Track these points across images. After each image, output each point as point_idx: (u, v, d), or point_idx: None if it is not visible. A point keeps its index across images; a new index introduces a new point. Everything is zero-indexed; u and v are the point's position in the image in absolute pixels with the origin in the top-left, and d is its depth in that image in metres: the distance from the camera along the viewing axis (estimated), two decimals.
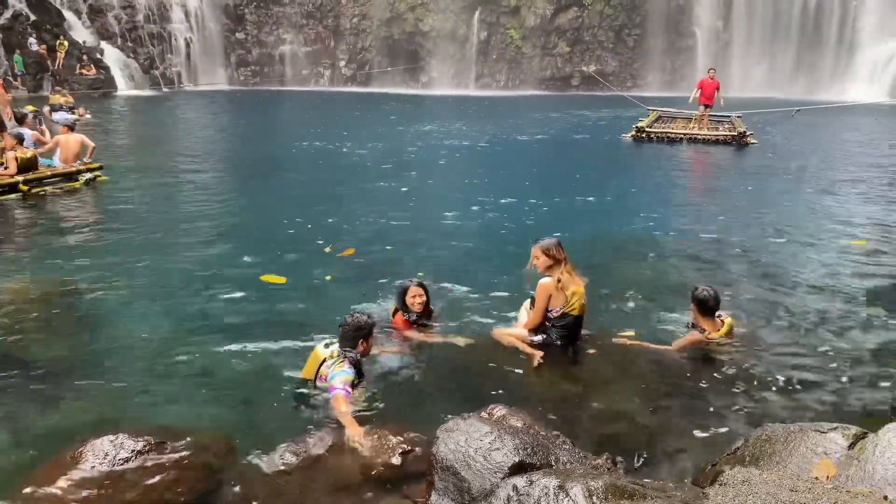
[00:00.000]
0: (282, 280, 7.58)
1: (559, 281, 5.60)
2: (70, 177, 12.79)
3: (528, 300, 6.04)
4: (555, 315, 5.68)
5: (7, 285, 7.31)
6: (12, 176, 11.76)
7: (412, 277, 6.16)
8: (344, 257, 8.54)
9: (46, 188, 12.23)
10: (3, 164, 12.16)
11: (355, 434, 4.30)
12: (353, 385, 4.82)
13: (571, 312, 5.65)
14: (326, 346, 5.08)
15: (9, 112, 13.78)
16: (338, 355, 4.92)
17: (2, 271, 7.89)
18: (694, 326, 5.97)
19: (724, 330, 5.87)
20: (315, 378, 4.99)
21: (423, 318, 6.08)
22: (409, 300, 5.96)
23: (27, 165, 12.05)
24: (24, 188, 11.80)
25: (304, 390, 5.06)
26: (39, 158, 12.63)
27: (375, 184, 13.95)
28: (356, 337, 4.98)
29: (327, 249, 8.75)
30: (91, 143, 13.56)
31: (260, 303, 6.96)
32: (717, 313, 5.90)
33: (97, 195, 12.44)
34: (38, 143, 13.93)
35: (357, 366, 4.94)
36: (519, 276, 7.60)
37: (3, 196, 11.47)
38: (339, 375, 4.78)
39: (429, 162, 17.28)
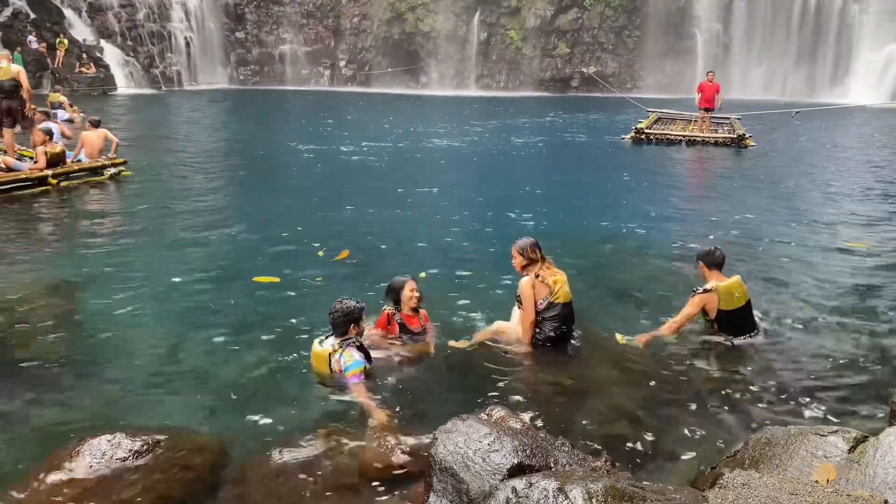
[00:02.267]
0: (275, 280, 7.55)
1: (537, 276, 5.67)
2: (96, 171, 13.21)
3: (517, 303, 6.01)
4: (542, 307, 5.69)
5: (12, 280, 7.32)
6: (41, 170, 12.20)
7: (404, 274, 5.97)
8: (338, 260, 8.46)
9: (73, 182, 12.69)
10: (32, 158, 12.68)
11: (381, 419, 4.48)
12: (366, 371, 4.95)
13: (557, 301, 5.66)
14: (321, 342, 5.10)
15: (30, 107, 14.03)
16: (340, 346, 4.94)
17: (7, 268, 7.89)
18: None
19: (733, 280, 5.91)
20: (331, 374, 5.01)
21: (413, 327, 5.76)
22: (407, 293, 5.68)
23: (55, 160, 12.50)
24: (53, 182, 12.22)
25: (303, 390, 5.05)
26: (67, 152, 13.14)
27: (372, 184, 13.94)
28: (347, 322, 4.99)
29: (320, 254, 8.65)
30: (115, 138, 13.92)
31: (256, 304, 6.93)
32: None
33: (119, 190, 12.74)
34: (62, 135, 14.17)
35: (362, 349, 5.00)
36: (516, 277, 7.61)
37: (32, 189, 11.89)
38: (352, 367, 4.87)
39: (426, 163, 17.27)
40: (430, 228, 10.36)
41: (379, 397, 4.87)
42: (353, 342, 4.97)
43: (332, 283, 7.47)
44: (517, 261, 5.80)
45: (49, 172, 12.25)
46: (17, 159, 12.47)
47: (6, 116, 12.72)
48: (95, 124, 13.98)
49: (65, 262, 8.28)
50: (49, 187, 12.10)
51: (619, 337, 6.07)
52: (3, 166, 12.03)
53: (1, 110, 12.66)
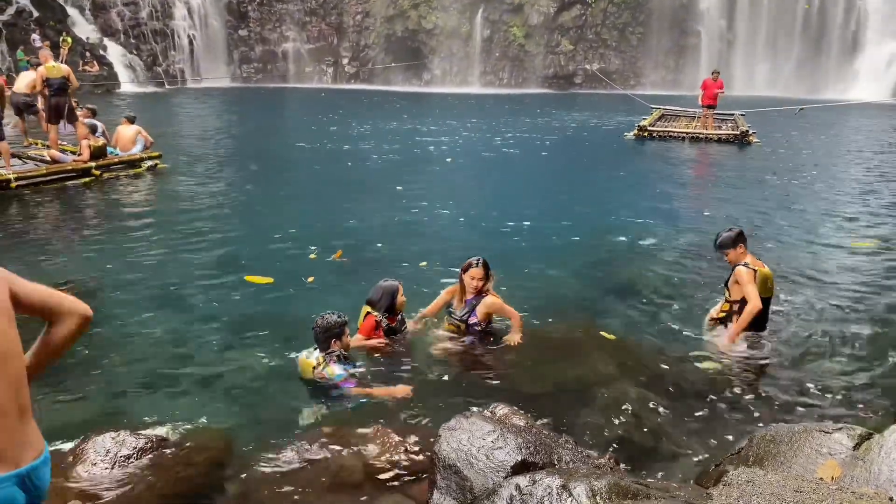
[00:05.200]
0: (269, 280, 7.47)
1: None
2: (133, 164, 14.07)
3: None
4: (482, 327, 5.86)
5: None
6: (85, 162, 13.14)
7: (387, 278, 5.83)
8: (332, 260, 8.33)
9: (114, 173, 13.53)
10: (74, 152, 13.55)
11: (402, 392, 4.80)
12: (353, 375, 4.96)
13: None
14: (309, 354, 5.09)
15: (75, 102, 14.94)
16: (324, 360, 4.94)
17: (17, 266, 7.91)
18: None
19: (768, 270, 5.85)
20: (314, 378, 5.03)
21: (393, 324, 5.73)
22: (400, 299, 5.67)
23: (98, 153, 13.40)
24: (97, 173, 13.16)
25: (305, 388, 5.06)
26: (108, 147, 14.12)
27: (370, 182, 13.93)
28: (328, 338, 4.95)
29: (311, 256, 8.48)
30: (148, 136, 14.74)
31: (256, 304, 6.90)
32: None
33: (147, 183, 13.40)
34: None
35: (345, 361, 4.99)
36: (515, 278, 7.59)
37: (76, 180, 12.84)
38: (336, 380, 4.88)
39: (427, 160, 17.22)
40: (427, 226, 10.28)
41: (371, 398, 4.89)
42: (336, 355, 4.95)
43: (329, 283, 7.41)
44: (482, 282, 5.75)
45: (93, 164, 13.11)
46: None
47: (53, 113, 13.58)
48: (131, 120, 14.74)
49: (74, 259, 8.31)
50: (92, 178, 12.97)
51: (603, 334, 6.04)
52: (49, 159, 13.08)
53: (49, 106, 13.55)
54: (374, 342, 5.60)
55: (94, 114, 14.81)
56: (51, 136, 13.69)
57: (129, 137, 14.37)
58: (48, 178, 12.48)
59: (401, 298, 5.68)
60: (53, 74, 13.50)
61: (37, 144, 15.19)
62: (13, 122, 15.71)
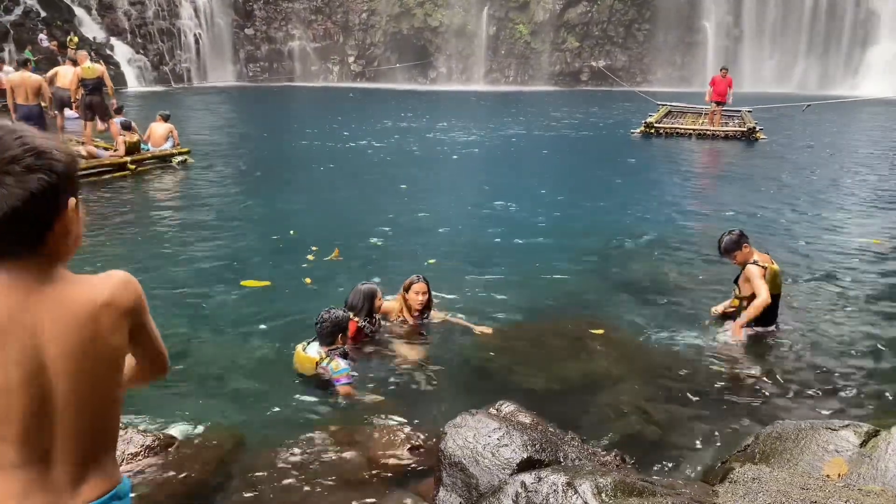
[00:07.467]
0: (266, 283, 7.35)
1: None
2: (164, 159, 14.80)
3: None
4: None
5: None
6: (121, 157, 13.86)
7: (364, 281, 5.82)
8: (330, 260, 8.23)
9: (147, 167, 14.26)
10: (106, 148, 14.39)
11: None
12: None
13: None
14: (304, 348, 5.07)
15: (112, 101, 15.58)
16: (327, 355, 4.93)
17: None
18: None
19: (777, 266, 5.91)
20: (315, 374, 5.02)
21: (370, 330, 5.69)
22: (377, 303, 5.63)
23: (132, 148, 14.16)
24: (132, 167, 13.82)
25: (311, 387, 5.07)
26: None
27: (374, 180, 13.90)
28: (335, 332, 4.95)
29: (310, 257, 8.34)
30: (175, 134, 15.45)
31: (259, 303, 6.90)
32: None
33: (172, 179, 13.95)
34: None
35: (346, 357, 5.00)
36: (520, 274, 7.59)
37: (113, 174, 13.52)
38: (340, 373, 4.88)
39: (432, 158, 17.18)
40: (431, 225, 10.18)
41: (377, 396, 4.91)
42: (339, 351, 4.94)
43: (330, 283, 7.37)
44: (428, 295, 5.90)
45: (128, 159, 13.81)
46: None
47: (88, 111, 14.22)
48: (165, 118, 15.44)
49: (91, 253, 8.33)
50: (128, 172, 13.70)
51: (595, 331, 6.01)
52: (86, 154, 13.47)
53: (84, 105, 14.20)
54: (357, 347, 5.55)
55: (119, 112, 15.49)
56: (85, 133, 14.32)
57: (162, 134, 15.09)
58: (87, 172, 12.76)
59: (378, 302, 5.64)
60: (88, 75, 14.12)
61: (71, 141, 15.51)
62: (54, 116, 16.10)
